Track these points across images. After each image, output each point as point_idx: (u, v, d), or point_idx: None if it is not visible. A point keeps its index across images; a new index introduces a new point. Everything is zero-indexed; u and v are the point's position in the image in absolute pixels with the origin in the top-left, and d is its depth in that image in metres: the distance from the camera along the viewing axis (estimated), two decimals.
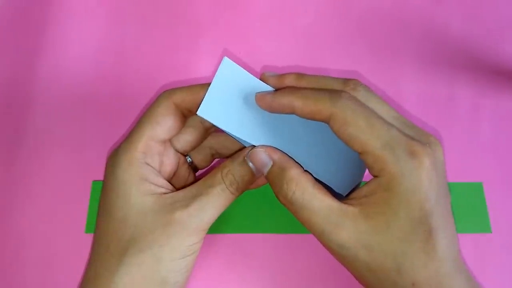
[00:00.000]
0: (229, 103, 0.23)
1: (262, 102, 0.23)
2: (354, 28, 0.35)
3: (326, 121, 0.21)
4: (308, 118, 0.22)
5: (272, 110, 0.22)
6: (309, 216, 0.21)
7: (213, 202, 0.23)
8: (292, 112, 0.22)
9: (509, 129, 0.33)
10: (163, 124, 0.24)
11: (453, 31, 0.35)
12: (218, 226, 0.31)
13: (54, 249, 0.30)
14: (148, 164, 0.24)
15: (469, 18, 0.35)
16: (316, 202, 0.21)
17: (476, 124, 0.33)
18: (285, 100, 0.22)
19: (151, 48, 0.35)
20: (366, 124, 0.20)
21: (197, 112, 0.23)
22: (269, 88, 0.24)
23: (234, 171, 0.24)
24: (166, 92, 0.25)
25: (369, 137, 0.20)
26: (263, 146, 0.23)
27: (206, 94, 0.23)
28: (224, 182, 0.24)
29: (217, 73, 0.23)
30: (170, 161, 0.26)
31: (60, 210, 0.31)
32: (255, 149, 0.23)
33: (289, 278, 0.30)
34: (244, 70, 0.24)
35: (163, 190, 0.24)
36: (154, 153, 0.24)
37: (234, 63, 0.24)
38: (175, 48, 0.35)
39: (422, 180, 0.20)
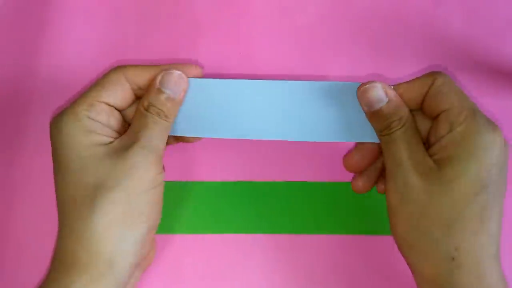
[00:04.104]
0: (203, 112, 0.26)
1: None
2: (354, 29, 0.35)
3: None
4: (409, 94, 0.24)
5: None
6: (405, 147, 0.23)
7: (154, 132, 0.24)
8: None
9: (510, 129, 0.33)
10: (110, 90, 0.24)
11: (453, 31, 0.35)
12: (218, 226, 0.31)
13: None
14: (92, 118, 0.23)
15: (469, 18, 0.35)
16: (414, 140, 0.23)
17: None
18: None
19: (151, 48, 0.35)
20: (459, 91, 0.23)
21: (177, 133, 0.26)
22: (237, 83, 0.26)
23: (153, 102, 0.24)
24: (118, 66, 0.25)
25: (460, 98, 0.22)
26: (379, 82, 0.24)
27: (178, 113, 0.25)
28: (151, 114, 0.24)
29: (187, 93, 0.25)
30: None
31: None
32: (371, 84, 0.24)
33: (289, 278, 0.30)
34: (210, 79, 0.26)
35: (113, 140, 0.24)
36: (100, 111, 0.24)
37: (198, 79, 0.26)
38: (175, 48, 0.35)
39: (496, 143, 0.21)
